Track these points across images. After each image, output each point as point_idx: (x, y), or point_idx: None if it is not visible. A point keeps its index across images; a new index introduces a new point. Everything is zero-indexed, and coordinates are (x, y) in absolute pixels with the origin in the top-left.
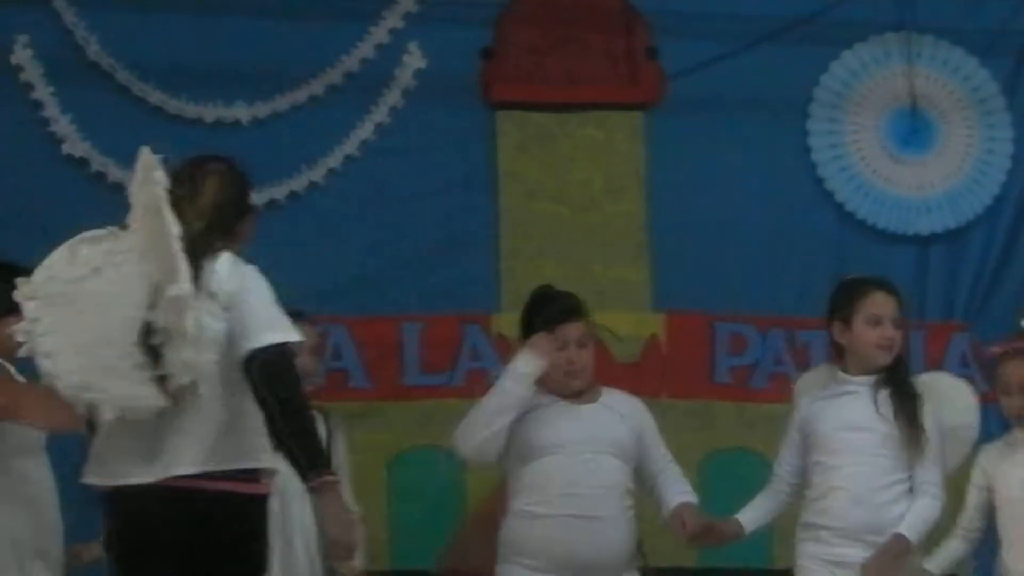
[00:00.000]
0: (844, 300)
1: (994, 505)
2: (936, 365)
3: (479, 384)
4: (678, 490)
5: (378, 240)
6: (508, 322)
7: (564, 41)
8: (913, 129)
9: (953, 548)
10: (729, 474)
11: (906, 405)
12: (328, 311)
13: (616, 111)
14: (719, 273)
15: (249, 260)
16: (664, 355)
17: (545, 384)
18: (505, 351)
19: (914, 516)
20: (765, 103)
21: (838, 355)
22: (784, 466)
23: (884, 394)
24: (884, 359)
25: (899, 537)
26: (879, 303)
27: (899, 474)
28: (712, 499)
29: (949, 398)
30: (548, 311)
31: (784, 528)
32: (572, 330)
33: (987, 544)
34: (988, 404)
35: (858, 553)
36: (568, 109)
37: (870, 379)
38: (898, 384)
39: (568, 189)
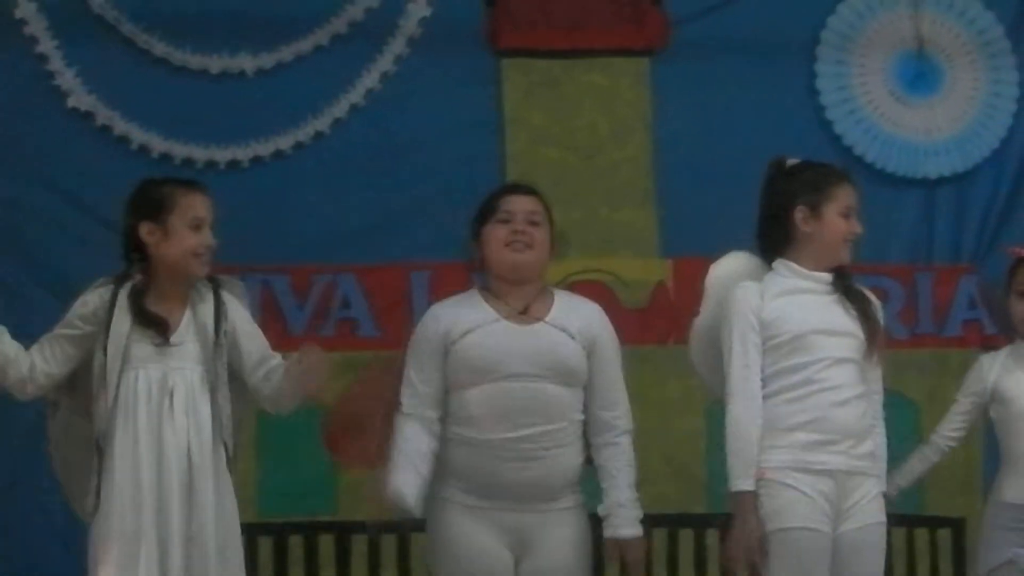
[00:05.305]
0: (814, 184)
1: (996, 419)
2: (944, 307)
3: None
4: (623, 496)
5: (385, 188)
6: None
7: None
8: (919, 72)
9: (928, 457)
10: None
11: (867, 311)
12: (336, 260)
13: (621, 57)
14: (726, 218)
15: (257, 211)
16: (672, 301)
17: (493, 286)
18: None
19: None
20: (772, 46)
21: (783, 243)
22: (755, 367)
23: (842, 297)
24: (846, 256)
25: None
26: (851, 195)
27: (862, 386)
28: (718, 447)
29: None
30: (497, 190)
31: None
32: (518, 203)
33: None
34: (992, 348)
35: (839, 461)
36: (573, 55)
37: (828, 277)
38: (850, 287)
39: (574, 135)
